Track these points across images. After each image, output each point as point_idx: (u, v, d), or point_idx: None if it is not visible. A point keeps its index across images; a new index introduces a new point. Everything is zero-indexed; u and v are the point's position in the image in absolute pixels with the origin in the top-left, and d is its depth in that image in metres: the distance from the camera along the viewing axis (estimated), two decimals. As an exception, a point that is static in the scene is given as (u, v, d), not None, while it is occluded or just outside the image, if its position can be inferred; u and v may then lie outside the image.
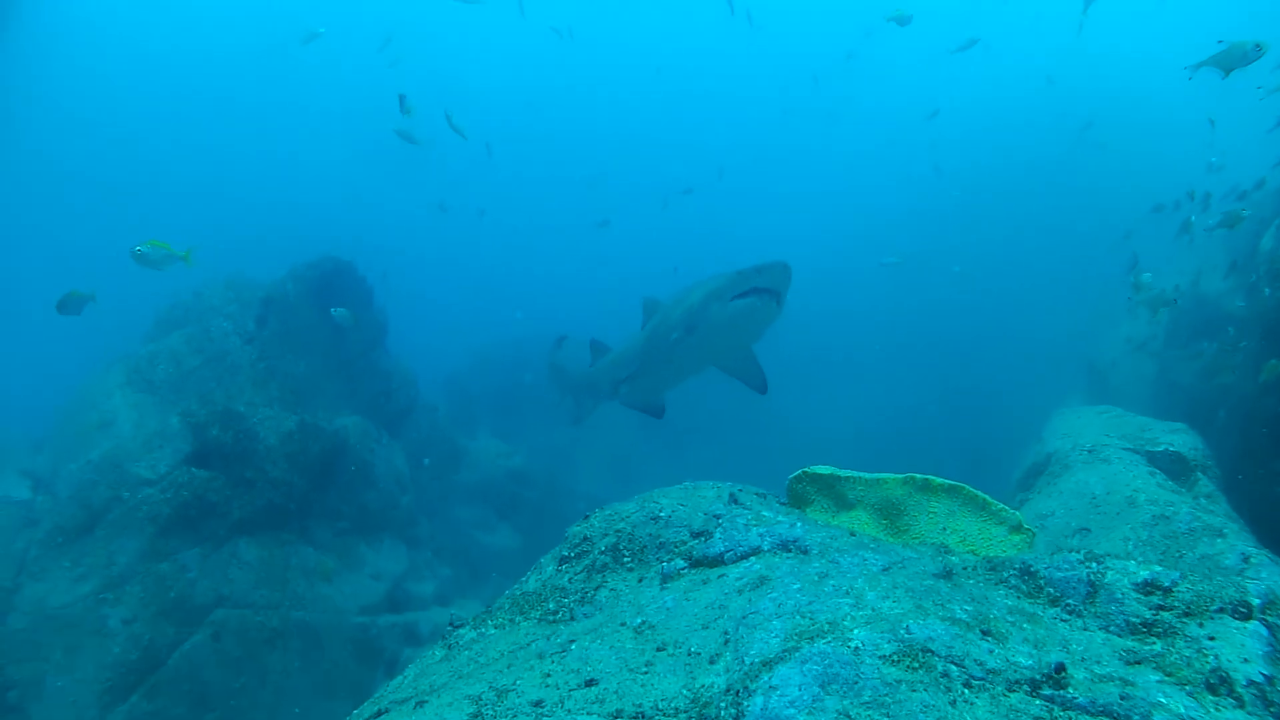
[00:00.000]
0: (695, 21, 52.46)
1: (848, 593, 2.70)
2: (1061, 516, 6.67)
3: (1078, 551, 3.24)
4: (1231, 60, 8.04)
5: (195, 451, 12.02)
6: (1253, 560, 5.45)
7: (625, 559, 3.78)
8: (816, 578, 2.87)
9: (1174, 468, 7.55)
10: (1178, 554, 5.81)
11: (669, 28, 53.99)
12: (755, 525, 3.45)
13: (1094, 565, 3.13)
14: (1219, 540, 5.76)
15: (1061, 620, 2.99)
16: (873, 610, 2.54)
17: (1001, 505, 3.70)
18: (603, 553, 3.86)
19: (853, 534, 3.42)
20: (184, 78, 48.65)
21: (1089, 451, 7.57)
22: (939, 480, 3.73)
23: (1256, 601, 2.92)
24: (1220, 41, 8.30)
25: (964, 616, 2.58)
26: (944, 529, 3.70)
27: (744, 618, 2.71)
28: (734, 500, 3.74)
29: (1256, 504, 8.51)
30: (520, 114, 51.31)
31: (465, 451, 18.50)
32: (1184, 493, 6.95)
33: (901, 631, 2.36)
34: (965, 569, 3.35)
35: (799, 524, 3.42)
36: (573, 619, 3.57)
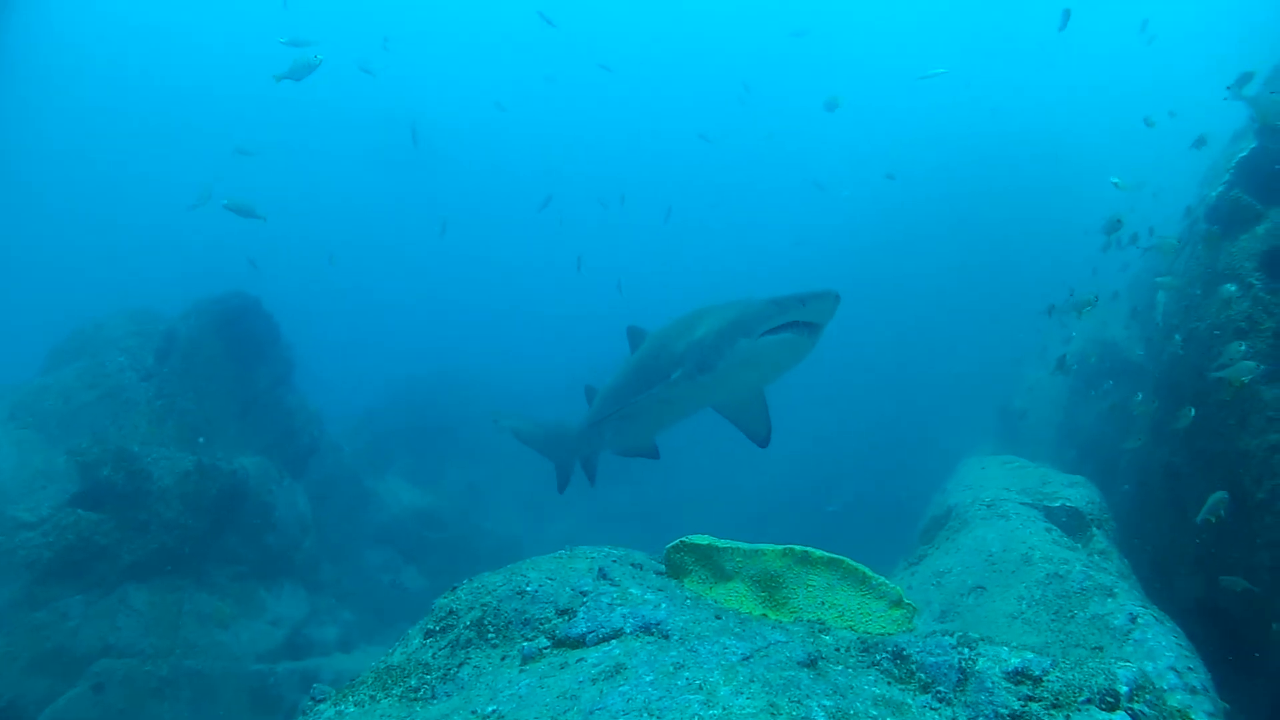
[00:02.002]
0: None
1: (700, 687, 2.56)
2: (959, 574, 6.64)
3: (951, 635, 3.15)
4: (1268, 112, 7.68)
5: (84, 492, 11.47)
6: (1139, 620, 5.48)
7: (490, 635, 3.62)
8: (672, 668, 2.73)
9: (1071, 523, 7.60)
10: (1070, 614, 5.81)
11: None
12: (620, 605, 3.31)
13: (966, 651, 3.04)
14: (1109, 600, 5.77)
15: (931, 709, 2.89)
16: (722, 710, 2.39)
17: (882, 579, 3.60)
18: (468, 627, 3.70)
19: (718, 616, 3.28)
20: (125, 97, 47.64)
21: (988, 506, 7.59)
22: (819, 553, 3.62)
23: (1124, 689, 2.86)
24: (1274, 91, 7.95)
25: (820, 716, 2.44)
26: (823, 603, 3.59)
27: (591, 713, 2.55)
28: (603, 575, 3.58)
29: (1154, 553, 8.66)
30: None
31: (373, 493, 18.05)
32: (1079, 549, 6.98)
33: (746, 740, 2.22)
34: (838, 650, 3.24)
35: (664, 604, 3.28)
36: (433, 698, 3.41)
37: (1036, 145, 33.96)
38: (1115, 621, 5.54)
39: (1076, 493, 8.09)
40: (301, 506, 14.62)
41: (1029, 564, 6.37)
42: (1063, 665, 2.96)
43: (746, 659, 2.81)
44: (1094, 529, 7.62)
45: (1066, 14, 16.31)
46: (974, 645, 3.05)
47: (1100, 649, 5.37)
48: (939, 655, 3.03)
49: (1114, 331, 14.00)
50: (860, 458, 22.84)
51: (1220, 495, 6.92)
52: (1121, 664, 3.05)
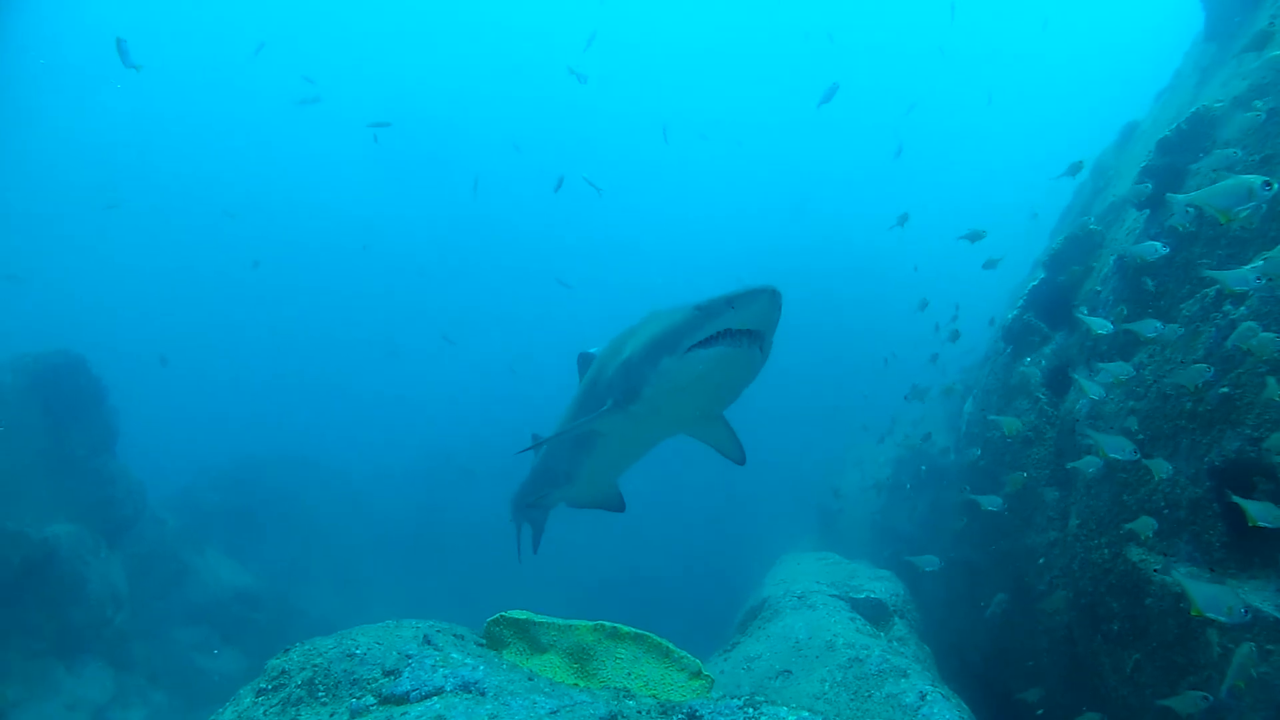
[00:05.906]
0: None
1: (510, 737, 2.82)
2: (768, 659, 7.07)
3: (739, 698, 3.50)
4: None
5: None
6: (928, 698, 6.00)
7: (320, 694, 3.78)
8: (487, 718, 2.98)
9: (875, 613, 8.19)
10: (867, 693, 6.28)
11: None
12: (442, 667, 3.55)
13: (750, 711, 3.40)
14: (903, 680, 6.29)
15: (718, 764, 3.22)
16: (527, 757, 2.66)
17: (683, 653, 3.94)
18: (299, 686, 3.84)
19: (531, 678, 3.56)
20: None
21: (799, 598, 8.11)
22: (626, 629, 3.95)
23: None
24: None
25: (614, 762, 2.74)
26: (629, 674, 3.89)
27: (410, 761, 2.77)
28: (427, 641, 3.81)
29: (954, 637, 9.37)
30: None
31: (192, 569, 17.29)
32: (880, 636, 7.52)
33: (544, 779, 2.50)
34: (639, 712, 3.55)
35: (481, 667, 3.54)
36: (260, 756, 3.54)
37: (865, 252, 35.92)
38: (907, 699, 6.05)
39: (881, 586, 8.72)
40: (116, 579, 13.96)
41: (832, 650, 6.85)
42: (833, 727, 3.35)
43: (554, 713, 3.10)
44: (895, 618, 8.24)
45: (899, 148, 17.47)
46: (758, 706, 3.42)
47: (890, 723, 5.86)
48: (727, 715, 3.38)
49: (938, 439, 14.99)
50: (691, 553, 23.35)
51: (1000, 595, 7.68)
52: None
